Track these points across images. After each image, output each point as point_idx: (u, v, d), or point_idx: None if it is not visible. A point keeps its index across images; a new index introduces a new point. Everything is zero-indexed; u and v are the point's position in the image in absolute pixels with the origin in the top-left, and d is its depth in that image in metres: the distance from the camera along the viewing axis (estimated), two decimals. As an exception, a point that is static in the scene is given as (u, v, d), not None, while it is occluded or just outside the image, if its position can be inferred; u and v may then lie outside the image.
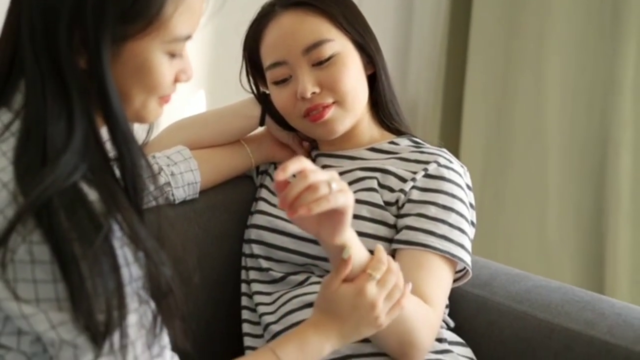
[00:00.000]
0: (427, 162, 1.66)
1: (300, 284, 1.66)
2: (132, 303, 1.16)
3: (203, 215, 1.79)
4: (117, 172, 1.19)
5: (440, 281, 1.57)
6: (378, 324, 1.36)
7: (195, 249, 1.76)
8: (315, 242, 1.65)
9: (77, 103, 1.15)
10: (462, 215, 1.62)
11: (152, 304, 1.19)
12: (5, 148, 1.15)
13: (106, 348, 1.14)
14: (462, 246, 1.60)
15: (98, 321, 1.13)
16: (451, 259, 1.58)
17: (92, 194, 1.14)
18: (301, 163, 1.26)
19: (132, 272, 1.16)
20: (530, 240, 2.96)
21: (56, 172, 1.12)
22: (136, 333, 1.17)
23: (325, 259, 1.64)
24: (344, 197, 1.29)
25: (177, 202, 1.73)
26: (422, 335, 1.49)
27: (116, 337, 1.14)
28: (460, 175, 1.67)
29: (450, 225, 1.60)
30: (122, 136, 1.17)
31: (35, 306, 1.13)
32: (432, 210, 1.60)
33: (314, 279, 1.65)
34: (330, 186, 1.27)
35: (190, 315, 1.70)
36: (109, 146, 1.19)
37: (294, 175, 1.27)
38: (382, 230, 1.62)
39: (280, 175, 1.23)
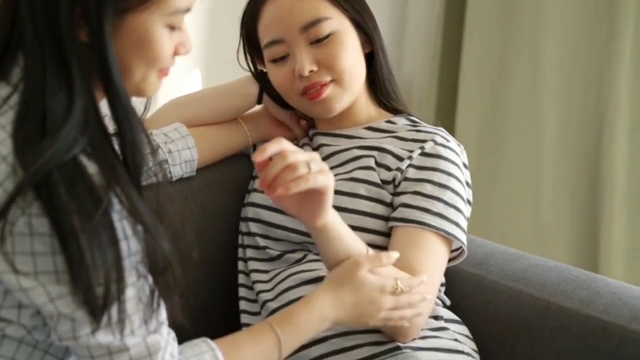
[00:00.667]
0: (423, 141, 1.66)
1: (298, 261, 1.66)
2: (130, 277, 1.17)
3: (200, 193, 1.79)
4: (117, 147, 1.20)
5: (434, 258, 1.58)
6: (373, 322, 1.42)
7: (193, 227, 1.76)
8: None
9: (77, 76, 1.15)
10: (457, 194, 1.63)
11: (150, 279, 1.20)
12: (4, 121, 1.15)
13: (104, 321, 1.15)
14: (457, 224, 1.60)
15: (96, 295, 1.14)
16: (446, 236, 1.59)
17: (91, 168, 1.14)
18: (280, 144, 1.30)
19: (130, 245, 1.17)
20: (525, 221, 2.97)
21: (55, 146, 1.12)
22: (134, 307, 1.17)
23: None
24: (323, 178, 1.31)
25: (174, 179, 1.73)
26: (414, 320, 1.50)
27: (114, 310, 1.15)
28: (456, 153, 1.67)
29: (446, 203, 1.60)
30: (122, 110, 1.18)
31: (33, 279, 1.13)
32: (428, 188, 1.61)
33: (311, 256, 1.65)
34: (310, 166, 1.30)
35: (188, 292, 1.73)
36: (108, 121, 1.19)
37: (270, 158, 1.28)
38: (379, 209, 1.63)
39: (258, 156, 1.27)
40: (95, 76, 1.17)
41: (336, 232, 1.42)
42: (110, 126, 1.19)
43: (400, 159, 1.65)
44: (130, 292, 1.17)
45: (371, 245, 1.60)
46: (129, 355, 1.18)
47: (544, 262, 1.77)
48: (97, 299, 1.14)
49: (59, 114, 1.14)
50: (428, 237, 1.58)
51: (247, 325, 1.66)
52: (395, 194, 1.63)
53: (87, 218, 1.12)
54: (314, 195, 1.34)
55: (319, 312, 1.38)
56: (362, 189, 1.64)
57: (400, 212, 1.60)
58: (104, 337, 1.16)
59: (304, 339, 1.39)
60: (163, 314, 1.23)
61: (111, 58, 1.16)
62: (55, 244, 1.12)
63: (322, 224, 1.38)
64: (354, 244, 1.45)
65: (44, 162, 1.11)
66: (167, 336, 1.22)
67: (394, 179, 1.64)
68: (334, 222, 1.39)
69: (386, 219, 1.63)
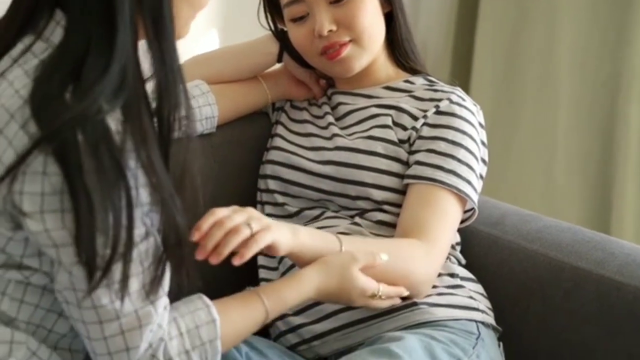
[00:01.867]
0: (439, 100, 1.67)
1: (315, 218, 1.68)
2: (138, 233, 1.18)
3: (219, 149, 1.80)
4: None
5: (445, 215, 1.59)
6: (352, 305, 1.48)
7: (212, 183, 1.78)
8: (331, 178, 1.67)
9: (121, 29, 1.15)
10: (471, 152, 1.64)
11: (159, 244, 1.21)
12: (28, 67, 1.17)
13: (103, 281, 1.16)
14: (469, 182, 1.61)
15: (98, 254, 1.14)
16: (458, 194, 1.60)
17: (117, 129, 1.15)
18: (214, 215, 1.32)
19: (142, 213, 1.18)
20: (537, 184, 2.98)
21: (85, 103, 1.13)
22: (135, 269, 1.19)
23: (340, 195, 1.66)
24: (270, 235, 1.34)
25: (194, 135, 1.75)
26: (418, 274, 1.53)
27: (116, 269, 1.16)
28: (472, 113, 1.68)
29: (459, 160, 1.61)
30: (170, 58, 1.19)
31: (39, 220, 1.14)
32: (442, 146, 1.62)
33: (328, 213, 1.67)
34: (251, 227, 1.33)
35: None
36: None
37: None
38: (396, 167, 1.64)
39: (197, 235, 1.29)
40: (144, 25, 1.17)
41: (305, 250, 1.43)
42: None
43: (415, 117, 1.66)
44: (134, 255, 1.18)
45: (387, 202, 1.63)
46: (119, 324, 1.19)
47: (558, 223, 1.78)
48: (99, 259, 1.15)
49: (96, 71, 1.15)
50: (440, 194, 1.59)
51: (265, 280, 1.68)
52: (410, 153, 1.64)
53: (103, 178, 1.13)
54: (269, 250, 1.37)
55: (305, 293, 1.41)
56: (379, 147, 1.65)
57: (414, 170, 1.62)
58: (98, 298, 1.17)
59: (285, 312, 1.42)
60: (165, 286, 1.23)
61: (165, 3, 1.17)
62: (65, 188, 1.13)
63: (286, 253, 1.41)
64: (326, 246, 1.46)
65: (69, 118, 1.12)
66: (162, 310, 1.22)
67: (409, 138, 1.65)
68: (298, 245, 1.41)
69: (402, 177, 1.64)
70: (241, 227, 1.33)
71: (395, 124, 1.67)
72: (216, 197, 1.76)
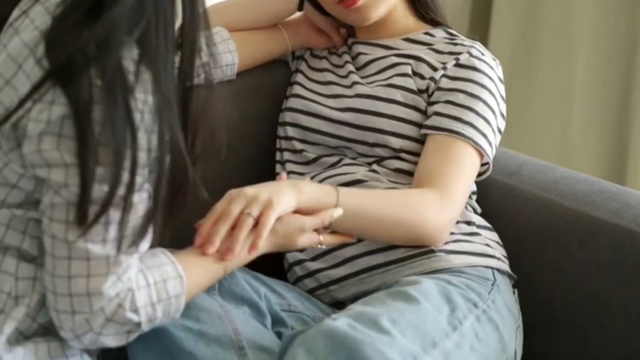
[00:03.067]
0: (459, 53, 1.68)
1: (333, 165, 1.70)
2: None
3: (239, 97, 1.81)
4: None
5: (460, 166, 1.59)
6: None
7: (231, 130, 1.79)
8: (349, 125, 1.68)
9: None
10: (489, 106, 1.64)
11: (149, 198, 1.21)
12: (49, 4, 1.18)
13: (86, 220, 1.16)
14: (485, 136, 1.62)
15: (93, 190, 1.15)
16: (474, 146, 1.61)
17: (132, 69, 1.15)
18: (212, 215, 1.36)
19: (146, 159, 1.18)
20: (554, 139, 2.98)
21: (99, 34, 1.13)
22: (118, 217, 1.18)
23: (358, 142, 1.67)
24: (273, 212, 1.36)
25: (214, 82, 1.76)
26: (431, 222, 1.53)
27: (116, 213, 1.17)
28: (491, 67, 1.68)
29: (477, 113, 1.62)
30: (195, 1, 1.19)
31: (36, 141, 1.15)
32: (460, 98, 1.63)
33: (346, 160, 1.69)
34: (251, 213, 1.34)
35: (223, 194, 1.76)
36: None
37: None
38: (414, 115, 1.65)
39: (199, 240, 1.34)
40: None
41: (308, 204, 1.44)
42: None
43: (435, 68, 1.67)
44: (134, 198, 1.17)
45: (404, 150, 1.65)
46: (87, 266, 1.18)
47: (575, 174, 1.79)
48: (94, 190, 1.14)
49: (114, 4, 1.15)
50: (457, 145, 1.60)
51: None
52: (429, 103, 1.65)
53: (110, 113, 1.13)
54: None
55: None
56: (398, 95, 1.66)
57: (432, 121, 1.63)
58: (74, 233, 1.16)
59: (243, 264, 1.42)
60: (145, 244, 1.23)
61: None
62: (69, 114, 1.14)
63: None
64: (325, 199, 1.46)
65: (80, 48, 1.13)
66: (133, 263, 1.21)
67: (427, 88, 1.66)
68: (303, 202, 1.43)
69: (420, 125, 1.65)
70: (243, 219, 1.35)
71: (415, 73, 1.68)
72: (235, 145, 1.79)
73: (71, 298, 1.18)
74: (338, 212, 1.44)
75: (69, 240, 1.17)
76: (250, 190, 1.39)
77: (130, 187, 1.17)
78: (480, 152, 1.62)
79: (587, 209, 1.68)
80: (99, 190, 1.15)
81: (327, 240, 1.47)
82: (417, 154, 1.65)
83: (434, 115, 1.63)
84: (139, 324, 1.23)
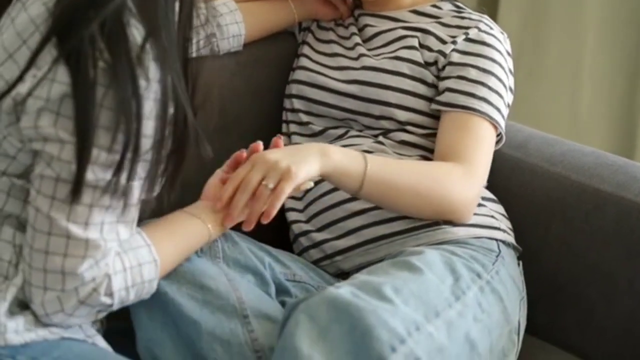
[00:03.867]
0: (467, 27, 1.68)
1: (340, 137, 1.70)
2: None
3: (246, 68, 1.81)
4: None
5: (480, 141, 1.60)
6: None
7: (237, 101, 1.79)
8: (355, 97, 1.68)
9: None
10: (500, 80, 1.64)
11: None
12: None
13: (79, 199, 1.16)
14: (498, 110, 1.63)
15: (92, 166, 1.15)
16: (489, 121, 1.61)
17: (139, 41, 1.15)
18: (233, 181, 1.37)
19: (147, 146, 1.18)
20: (562, 110, 2.97)
21: (108, 9, 1.13)
22: (103, 202, 1.17)
23: (364, 114, 1.67)
24: (288, 184, 1.36)
25: (221, 53, 1.76)
26: (457, 196, 1.53)
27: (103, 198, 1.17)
28: (500, 41, 1.68)
29: (490, 88, 1.62)
30: None
31: (34, 117, 1.15)
32: (473, 73, 1.63)
33: (352, 132, 1.69)
34: (267, 185, 1.35)
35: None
36: None
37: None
38: (421, 88, 1.65)
39: (218, 205, 1.37)
40: None
41: (335, 169, 1.44)
42: None
43: (443, 42, 1.66)
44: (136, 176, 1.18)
45: (410, 123, 1.65)
46: (65, 244, 1.17)
47: (581, 147, 1.79)
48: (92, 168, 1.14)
49: None
50: (473, 121, 1.60)
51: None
52: (439, 78, 1.65)
53: (115, 85, 1.13)
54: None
55: None
56: (405, 68, 1.66)
57: (446, 97, 1.62)
58: (57, 211, 1.16)
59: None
60: (126, 232, 1.23)
61: None
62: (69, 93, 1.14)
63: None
64: (353, 165, 1.46)
65: (86, 18, 1.12)
66: (111, 249, 1.20)
67: (436, 62, 1.66)
68: (330, 166, 1.43)
69: (427, 98, 1.65)
70: (260, 191, 1.36)
71: (422, 45, 1.68)
72: (241, 116, 1.80)
73: (45, 274, 1.18)
74: (309, 185, 1.44)
75: (51, 216, 1.16)
76: (272, 156, 1.38)
77: (127, 174, 1.17)
78: (495, 126, 1.62)
79: (593, 181, 1.67)
80: (91, 172, 1.15)
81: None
82: (423, 127, 1.65)
83: (446, 91, 1.63)
84: (110, 306, 1.23)
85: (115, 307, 1.25)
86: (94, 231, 1.18)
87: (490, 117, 1.61)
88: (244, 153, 1.44)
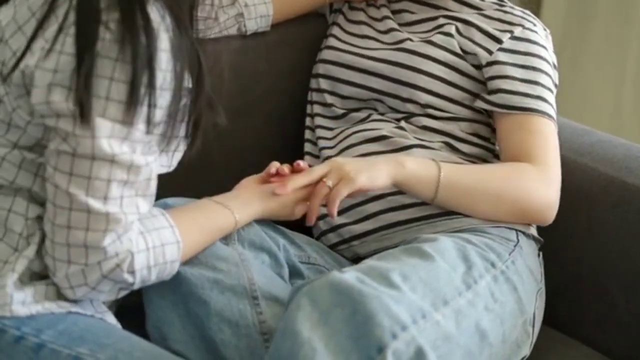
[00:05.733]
0: (511, 24, 1.66)
1: (361, 121, 1.68)
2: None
3: (273, 48, 1.80)
4: None
5: (546, 140, 1.59)
6: None
7: (263, 81, 1.79)
8: (382, 76, 1.67)
9: None
10: (549, 77, 1.64)
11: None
12: None
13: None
14: (552, 106, 1.62)
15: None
16: (548, 118, 1.60)
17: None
18: (304, 179, 1.43)
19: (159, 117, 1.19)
20: (604, 103, 2.93)
21: None
22: (120, 176, 1.18)
23: (391, 95, 1.66)
24: (345, 189, 1.41)
25: (248, 33, 1.75)
26: (536, 197, 1.53)
27: (104, 168, 1.17)
28: (544, 38, 1.68)
29: (543, 85, 1.61)
30: None
31: (45, 92, 1.16)
32: (523, 72, 1.62)
33: (375, 116, 1.67)
34: (326, 184, 1.42)
35: (253, 146, 1.76)
36: None
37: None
38: (454, 77, 1.64)
39: (281, 189, 1.42)
40: None
41: (409, 179, 1.48)
42: None
43: (489, 36, 1.64)
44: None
45: (436, 108, 1.64)
46: (86, 218, 1.18)
47: (612, 139, 1.76)
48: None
49: None
50: (535, 121, 1.59)
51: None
52: (487, 78, 1.63)
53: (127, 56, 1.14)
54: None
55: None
56: (437, 53, 1.64)
57: (500, 99, 1.60)
58: (75, 187, 1.16)
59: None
60: (146, 205, 1.23)
61: None
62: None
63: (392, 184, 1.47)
64: (426, 173, 1.49)
65: None
66: (133, 223, 1.21)
67: (476, 54, 1.64)
68: (402, 176, 1.47)
69: (460, 88, 1.64)
70: (319, 188, 1.43)
71: (461, 34, 1.66)
72: (267, 95, 1.79)
73: (69, 248, 1.19)
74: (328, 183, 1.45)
75: (70, 192, 1.17)
76: (341, 159, 1.47)
77: (141, 147, 1.18)
78: (552, 121, 1.61)
79: (620, 174, 1.65)
80: (108, 145, 1.16)
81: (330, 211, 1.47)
82: (445, 111, 1.64)
83: (499, 92, 1.61)
84: (132, 284, 1.24)
85: (137, 286, 1.26)
86: (113, 205, 1.18)
87: (549, 115, 1.60)
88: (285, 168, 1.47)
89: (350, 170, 1.42)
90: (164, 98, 1.19)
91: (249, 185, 1.46)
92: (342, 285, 1.22)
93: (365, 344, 1.17)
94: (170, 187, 1.47)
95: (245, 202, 1.42)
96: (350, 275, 1.24)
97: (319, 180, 1.43)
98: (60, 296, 1.24)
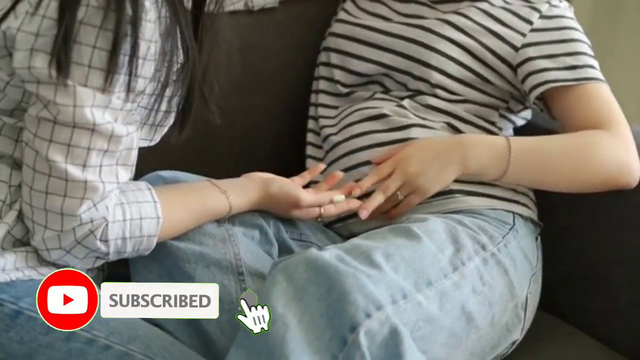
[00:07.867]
0: (535, 2, 1.65)
1: (364, 100, 1.66)
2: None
3: (281, 25, 1.79)
4: None
5: (608, 103, 1.58)
6: None
7: (271, 58, 1.78)
8: (395, 52, 1.65)
9: None
10: (586, 43, 1.63)
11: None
12: None
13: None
14: (596, 68, 1.60)
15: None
16: (602, 83, 1.59)
17: None
18: (373, 177, 1.51)
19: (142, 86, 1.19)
20: (633, 97, 2.88)
21: None
22: (100, 144, 1.18)
23: (400, 71, 1.64)
24: (416, 199, 1.49)
25: (255, 9, 1.74)
26: (614, 161, 1.52)
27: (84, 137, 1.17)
28: (569, 9, 1.67)
29: (585, 54, 1.61)
30: None
31: (27, 57, 1.15)
32: (564, 46, 1.61)
33: (378, 95, 1.65)
34: (398, 196, 1.49)
35: (260, 123, 1.76)
36: None
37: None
38: (467, 59, 1.63)
39: (357, 190, 1.50)
40: None
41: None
42: None
43: (518, 16, 1.63)
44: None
45: (443, 88, 1.61)
46: (64, 185, 1.18)
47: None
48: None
49: None
50: (589, 88, 1.58)
51: (311, 157, 1.70)
52: (526, 59, 1.61)
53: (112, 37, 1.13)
54: None
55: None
56: (452, 32, 1.63)
57: (547, 75, 1.59)
58: (54, 153, 1.16)
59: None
60: (126, 175, 1.23)
61: None
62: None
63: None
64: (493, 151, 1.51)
65: None
66: (110, 192, 1.21)
67: (507, 37, 1.62)
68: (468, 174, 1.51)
69: (472, 71, 1.62)
70: (392, 198, 1.49)
71: (484, 11, 1.64)
72: (275, 72, 1.78)
73: (46, 213, 1.19)
74: (339, 198, 1.48)
75: (49, 159, 1.17)
76: (413, 167, 1.49)
77: (122, 117, 1.18)
78: (603, 83, 1.60)
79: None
80: (90, 113, 1.15)
81: (329, 212, 1.48)
82: (453, 92, 1.62)
83: (544, 71, 1.59)
84: (106, 254, 1.24)
85: (112, 257, 1.26)
86: (92, 173, 1.18)
87: (600, 79, 1.58)
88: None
89: (423, 183, 1.47)
90: (147, 68, 1.18)
91: (255, 175, 1.45)
92: (318, 263, 1.20)
93: (338, 322, 1.16)
94: (176, 161, 1.48)
95: (243, 189, 1.42)
96: (329, 253, 1.23)
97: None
98: (40, 262, 1.24)
